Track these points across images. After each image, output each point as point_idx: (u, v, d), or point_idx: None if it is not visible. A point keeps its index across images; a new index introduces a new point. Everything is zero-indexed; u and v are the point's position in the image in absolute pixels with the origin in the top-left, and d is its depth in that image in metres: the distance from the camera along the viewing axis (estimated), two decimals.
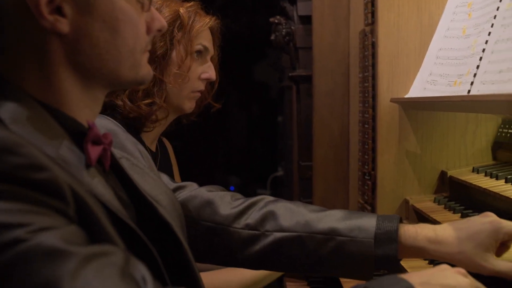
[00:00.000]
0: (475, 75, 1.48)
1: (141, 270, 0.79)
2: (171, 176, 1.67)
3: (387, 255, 1.20)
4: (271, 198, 1.37)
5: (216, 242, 1.33)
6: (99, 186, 0.92)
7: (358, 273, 1.24)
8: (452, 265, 1.14)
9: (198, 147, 4.15)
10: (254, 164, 5.02)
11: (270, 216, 1.30)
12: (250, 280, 1.56)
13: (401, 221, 1.24)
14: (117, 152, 1.12)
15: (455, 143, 1.95)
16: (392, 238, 1.20)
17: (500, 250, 1.18)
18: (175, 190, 1.38)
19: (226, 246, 1.33)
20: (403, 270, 1.51)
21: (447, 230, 1.20)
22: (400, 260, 1.25)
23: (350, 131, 2.31)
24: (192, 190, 1.39)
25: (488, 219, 1.19)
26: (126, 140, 1.32)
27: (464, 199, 1.80)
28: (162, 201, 1.12)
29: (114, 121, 1.54)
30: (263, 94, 5.71)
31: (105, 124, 1.42)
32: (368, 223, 1.23)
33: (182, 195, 1.37)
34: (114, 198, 0.95)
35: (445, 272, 1.01)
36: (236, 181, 4.87)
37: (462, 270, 1.03)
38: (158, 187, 1.16)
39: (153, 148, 1.83)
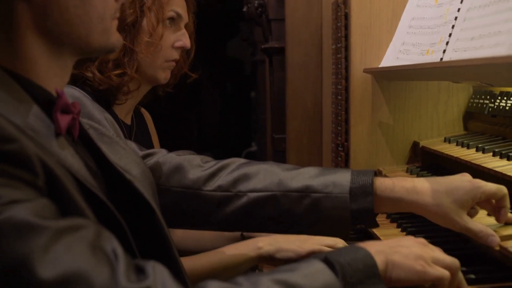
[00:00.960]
0: (447, 43, 1.48)
1: (112, 244, 0.78)
2: (151, 148, 1.63)
3: (363, 209, 1.20)
4: (243, 160, 1.35)
5: (188, 207, 1.31)
6: (69, 157, 0.89)
7: (335, 229, 1.24)
8: (424, 229, 1.15)
9: (170, 124, 4.11)
10: (227, 140, 5.00)
11: (242, 177, 1.28)
12: (231, 261, 1.52)
13: (376, 175, 1.23)
14: (85, 122, 1.09)
15: (427, 114, 1.96)
16: (367, 192, 1.19)
17: (469, 212, 1.19)
18: (144, 157, 1.35)
19: (198, 210, 1.30)
20: (376, 238, 1.52)
21: (426, 183, 1.20)
22: (377, 214, 1.24)
23: (323, 103, 2.31)
24: (161, 157, 1.36)
25: (467, 178, 1.20)
26: (93, 109, 1.29)
27: (436, 168, 1.82)
28: (133, 170, 1.09)
29: (81, 90, 1.50)
30: (236, 69, 5.67)
31: (71, 93, 1.37)
32: (342, 178, 1.22)
33: (151, 162, 1.34)
34: (84, 169, 0.92)
35: (403, 242, 1.02)
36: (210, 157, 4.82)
37: (422, 240, 1.04)
38: (128, 156, 1.12)
39: (128, 121, 1.79)
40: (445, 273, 0.99)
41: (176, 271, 0.88)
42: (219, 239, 1.73)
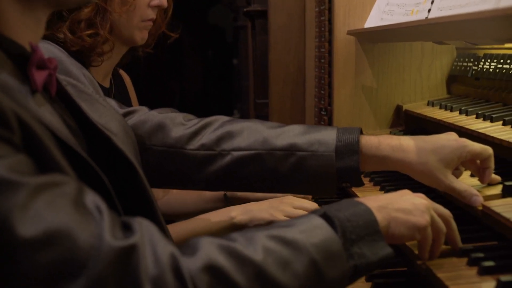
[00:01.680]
0: (432, 2, 1.46)
1: (95, 200, 0.75)
2: None
3: (349, 167, 1.18)
4: (226, 118, 1.31)
5: (170, 166, 1.28)
6: (46, 114, 0.85)
7: (320, 188, 1.22)
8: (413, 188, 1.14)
9: (152, 92, 4.05)
10: (209, 107, 4.96)
11: (226, 135, 1.24)
12: (205, 231, 1.51)
13: (362, 133, 1.21)
14: (62, 78, 1.05)
15: (411, 77, 1.95)
16: (353, 150, 1.17)
17: (454, 173, 1.18)
18: (125, 115, 1.31)
19: (181, 170, 1.27)
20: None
21: (412, 141, 1.18)
22: (363, 173, 1.22)
23: (306, 67, 2.28)
24: (142, 115, 1.31)
25: (453, 137, 1.18)
26: (71, 65, 1.24)
27: (419, 132, 1.80)
28: (113, 128, 1.05)
29: (56, 46, 1.45)
30: (218, 37, 5.59)
31: (47, 48, 1.32)
32: (328, 136, 1.19)
33: (132, 120, 1.29)
34: (63, 126, 0.88)
35: (403, 197, 1.01)
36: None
37: (421, 195, 1.03)
38: (108, 113, 1.08)
39: (106, 84, 1.74)
40: (442, 226, 0.99)
41: (160, 230, 0.86)
42: (201, 201, 1.71)
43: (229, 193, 1.66)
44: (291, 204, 1.51)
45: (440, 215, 1.01)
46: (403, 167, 1.18)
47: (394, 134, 1.85)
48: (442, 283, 0.96)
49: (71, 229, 0.69)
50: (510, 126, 1.36)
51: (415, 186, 1.49)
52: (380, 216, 0.93)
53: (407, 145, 1.17)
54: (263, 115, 2.47)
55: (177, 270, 0.73)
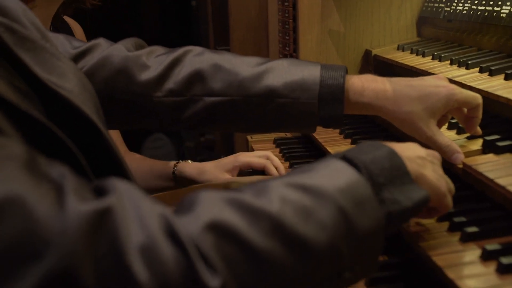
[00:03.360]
0: None
1: (57, 167, 0.61)
2: None
3: (332, 116, 1.08)
4: (197, 50, 1.14)
5: (138, 115, 1.15)
6: None
7: (300, 130, 1.15)
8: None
9: (104, 34, 3.84)
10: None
11: (197, 77, 1.10)
12: None
13: (346, 72, 1.10)
14: None
15: (380, 20, 1.84)
16: (337, 98, 1.07)
17: (440, 119, 1.10)
18: (78, 57, 1.13)
19: (151, 118, 1.14)
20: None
21: (398, 86, 1.08)
22: (345, 118, 1.12)
23: (268, 10, 2.13)
24: (100, 55, 1.13)
25: (443, 83, 1.08)
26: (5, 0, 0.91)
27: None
28: (68, 83, 0.85)
29: None
30: None
31: None
32: (310, 78, 1.07)
33: (88, 65, 1.13)
34: (9, 90, 0.73)
35: (423, 152, 0.89)
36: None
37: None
38: (60, 64, 0.87)
39: None
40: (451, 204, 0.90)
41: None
42: (152, 176, 1.63)
43: (177, 172, 1.58)
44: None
45: (451, 192, 0.91)
46: (385, 114, 1.09)
47: None
48: (424, 253, 0.90)
49: (25, 197, 0.54)
50: (487, 73, 1.28)
51: (387, 139, 1.42)
52: (411, 168, 0.81)
53: (391, 91, 1.07)
54: None
55: (171, 233, 0.59)
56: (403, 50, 1.73)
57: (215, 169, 1.52)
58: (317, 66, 1.10)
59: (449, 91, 1.06)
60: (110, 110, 1.09)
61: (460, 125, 1.17)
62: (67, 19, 1.76)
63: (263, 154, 1.54)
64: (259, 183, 0.71)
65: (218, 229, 0.61)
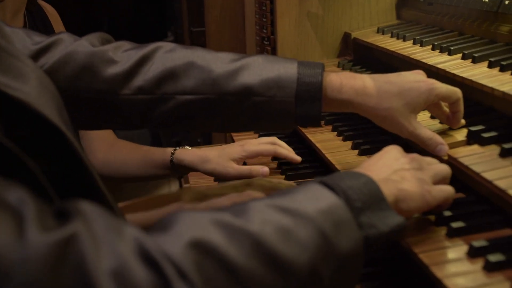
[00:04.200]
0: None
1: (15, 192, 0.56)
2: None
3: (309, 115, 1.04)
4: (168, 47, 1.07)
5: (104, 114, 1.08)
6: None
7: (277, 129, 1.11)
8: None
9: (77, 16, 3.74)
10: (140, 31, 4.67)
11: (168, 75, 1.04)
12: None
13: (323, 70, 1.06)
14: None
15: (359, 2, 1.81)
16: (315, 97, 1.03)
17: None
18: (39, 54, 1.06)
19: (119, 117, 1.08)
20: (309, 142, 1.41)
21: (377, 82, 1.04)
22: (322, 118, 1.09)
23: None
24: (62, 51, 1.06)
25: (422, 78, 1.06)
26: None
27: (369, 62, 1.69)
28: (25, 84, 0.78)
29: None
30: None
31: None
32: (287, 76, 1.02)
33: (50, 63, 1.05)
34: None
35: (399, 160, 0.89)
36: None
37: (414, 156, 0.92)
38: (16, 62, 0.80)
39: (18, 23, 1.49)
40: (450, 190, 0.89)
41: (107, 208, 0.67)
42: (145, 164, 1.55)
43: (176, 160, 1.50)
44: (261, 186, 1.27)
45: (443, 180, 0.91)
46: (364, 112, 1.05)
47: (343, 65, 1.73)
48: (410, 249, 0.88)
49: None
50: (470, 60, 1.25)
51: (369, 126, 1.39)
52: (387, 190, 0.81)
53: (371, 87, 1.04)
54: (199, 45, 2.28)
55: (144, 254, 0.57)
56: (383, 33, 1.70)
57: (219, 158, 1.41)
58: (293, 63, 1.05)
59: (428, 85, 1.04)
60: (76, 110, 1.03)
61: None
62: (42, 3, 1.68)
63: (269, 140, 1.45)
64: (238, 205, 0.70)
65: (200, 247, 0.60)
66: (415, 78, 1.05)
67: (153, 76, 1.04)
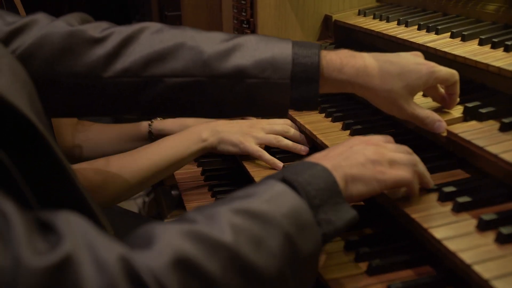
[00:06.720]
0: None
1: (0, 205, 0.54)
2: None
3: (305, 98, 1.01)
4: (155, 27, 1.01)
5: (85, 99, 1.01)
6: None
7: (271, 114, 1.06)
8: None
9: (35, 0, 3.60)
10: (104, 19, 4.56)
11: (155, 56, 0.98)
12: (174, 157, 1.30)
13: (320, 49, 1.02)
14: None
15: None
16: (312, 78, 0.99)
17: None
18: (12, 36, 0.98)
19: (102, 102, 1.02)
20: (297, 124, 1.39)
21: (377, 62, 1.02)
22: (320, 100, 1.05)
23: None
24: (37, 34, 0.98)
25: (422, 60, 1.05)
26: None
27: (351, 45, 1.67)
28: None
29: None
30: None
31: None
32: (282, 56, 0.98)
33: (24, 44, 0.97)
34: None
35: (354, 147, 0.88)
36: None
37: (373, 139, 0.91)
38: None
39: None
40: (405, 174, 0.87)
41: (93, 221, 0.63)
42: (121, 140, 1.51)
43: (155, 130, 1.47)
44: (262, 129, 1.39)
45: (404, 165, 0.89)
46: (364, 92, 1.03)
47: (325, 47, 1.71)
48: (419, 225, 0.87)
49: None
50: (460, 38, 1.25)
51: (355, 108, 1.38)
52: (338, 176, 0.81)
53: (372, 67, 1.01)
54: None
55: (132, 274, 0.57)
56: (364, 15, 1.69)
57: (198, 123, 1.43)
58: (288, 43, 1.01)
59: (429, 68, 1.03)
60: (55, 97, 0.98)
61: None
62: None
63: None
64: (206, 209, 0.70)
65: (182, 265, 0.60)
66: (416, 60, 1.03)
67: (139, 57, 0.98)
